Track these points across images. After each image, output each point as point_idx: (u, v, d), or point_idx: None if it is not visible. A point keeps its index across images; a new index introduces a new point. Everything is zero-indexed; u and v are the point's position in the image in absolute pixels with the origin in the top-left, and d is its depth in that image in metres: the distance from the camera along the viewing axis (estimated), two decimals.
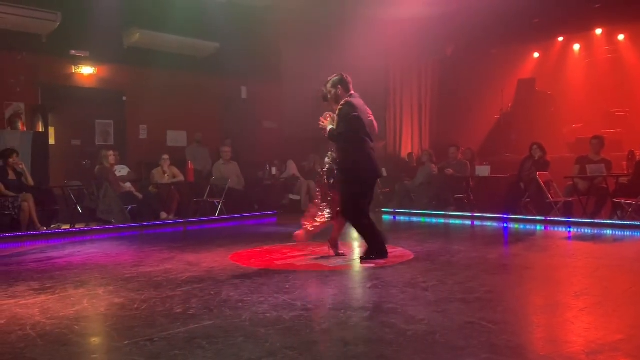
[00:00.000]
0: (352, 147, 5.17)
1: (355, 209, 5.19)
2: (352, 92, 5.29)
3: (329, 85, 5.33)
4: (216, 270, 4.80)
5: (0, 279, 4.64)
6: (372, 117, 5.37)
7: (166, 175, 9.77)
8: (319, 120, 5.34)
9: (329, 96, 5.34)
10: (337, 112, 5.19)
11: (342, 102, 5.18)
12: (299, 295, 3.76)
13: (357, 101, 5.22)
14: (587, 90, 12.82)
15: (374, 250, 5.19)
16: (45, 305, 3.66)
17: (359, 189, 5.20)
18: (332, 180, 5.37)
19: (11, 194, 7.74)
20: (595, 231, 7.30)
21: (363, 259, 5.15)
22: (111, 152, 9.06)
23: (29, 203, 7.75)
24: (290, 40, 12.47)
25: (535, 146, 8.95)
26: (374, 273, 4.59)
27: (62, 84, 10.24)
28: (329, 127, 5.19)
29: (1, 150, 8.17)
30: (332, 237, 5.48)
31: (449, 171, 9.89)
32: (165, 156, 9.85)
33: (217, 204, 9.76)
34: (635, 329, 2.94)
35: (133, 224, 8.54)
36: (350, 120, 5.05)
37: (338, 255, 5.41)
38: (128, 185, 9.24)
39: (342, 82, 5.28)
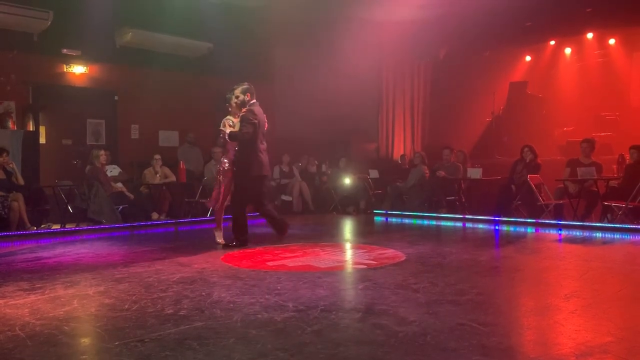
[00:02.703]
0: (246, 148, 6.06)
1: (240, 202, 6.18)
2: (254, 100, 6.20)
3: (238, 91, 6.23)
4: (208, 271, 4.78)
5: None
6: (266, 124, 6.33)
7: (158, 175, 9.73)
8: (221, 126, 6.22)
9: (235, 101, 6.20)
10: (240, 115, 6.09)
11: (245, 108, 6.10)
12: (290, 297, 3.76)
13: (258, 109, 6.15)
14: (578, 93, 12.93)
15: (238, 240, 6.21)
16: (35, 306, 3.63)
17: (247, 184, 6.14)
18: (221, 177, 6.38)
19: (1, 193, 7.68)
20: (586, 234, 7.34)
21: (227, 246, 6.21)
22: (102, 152, 9.02)
23: (19, 202, 7.69)
24: (283, 41, 12.46)
25: (526, 149, 8.99)
26: (365, 274, 4.60)
27: (53, 82, 10.18)
28: (228, 131, 6.09)
29: None
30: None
31: (441, 173, 9.92)
32: (157, 156, 9.81)
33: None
34: (624, 331, 2.96)
35: (124, 224, 8.50)
36: (249, 125, 5.94)
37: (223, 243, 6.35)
38: (119, 185, 9.19)
39: (250, 90, 6.20)
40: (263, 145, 6.23)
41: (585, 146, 8.62)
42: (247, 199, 6.28)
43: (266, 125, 6.35)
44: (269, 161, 6.38)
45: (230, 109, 6.35)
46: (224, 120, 6.30)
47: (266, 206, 6.37)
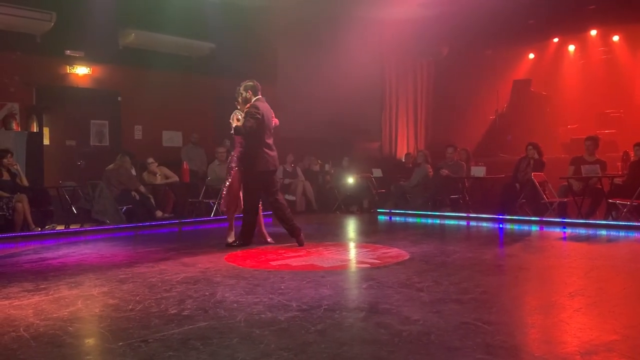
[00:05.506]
0: (252, 144, 6.04)
1: (250, 201, 6.12)
2: (260, 96, 6.20)
3: (241, 88, 6.26)
4: (211, 271, 4.79)
5: None
6: (275, 120, 6.29)
7: (158, 175, 9.75)
8: (230, 119, 6.17)
9: (240, 98, 6.23)
10: (245, 111, 6.05)
11: (249, 104, 6.07)
12: (294, 296, 3.75)
13: (262, 104, 6.11)
14: (582, 91, 12.87)
15: (243, 240, 6.19)
16: (39, 307, 3.64)
17: (253, 180, 6.10)
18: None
19: (5, 194, 7.71)
20: (590, 232, 7.32)
21: (229, 245, 6.19)
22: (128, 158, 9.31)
23: (23, 204, 7.72)
24: (285, 41, 12.47)
25: (530, 146, 8.97)
26: (369, 274, 4.59)
27: (56, 84, 10.20)
28: (234, 124, 6.02)
29: None
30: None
31: (444, 172, 9.90)
32: (150, 159, 9.85)
33: (212, 204, 9.74)
34: (630, 329, 2.94)
35: (128, 225, 8.52)
36: (252, 120, 5.88)
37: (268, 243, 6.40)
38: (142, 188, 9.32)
39: (253, 87, 6.22)
40: (269, 141, 6.17)
41: (589, 144, 8.60)
42: (256, 197, 6.20)
43: (274, 121, 6.26)
44: (277, 156, 6.27)
45: (238, 106, 6.32)
46: (233, 113, 6.25)
47: (277, 199, 6.16)
